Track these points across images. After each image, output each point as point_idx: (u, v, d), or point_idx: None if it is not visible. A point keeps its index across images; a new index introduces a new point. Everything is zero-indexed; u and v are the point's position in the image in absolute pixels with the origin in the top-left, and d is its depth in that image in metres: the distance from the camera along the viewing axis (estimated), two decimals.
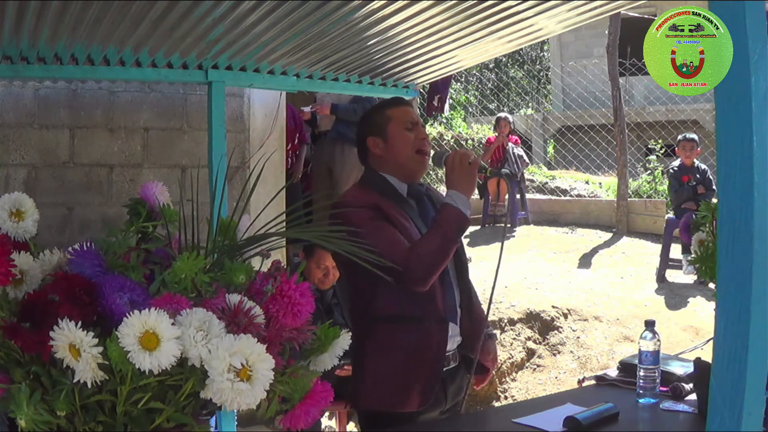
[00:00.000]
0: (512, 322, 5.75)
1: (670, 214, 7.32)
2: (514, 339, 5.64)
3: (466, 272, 2.33)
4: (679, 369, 2.25)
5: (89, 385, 1.08)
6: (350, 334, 1.39)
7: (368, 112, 2.43)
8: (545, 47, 16.32)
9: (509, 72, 16.57)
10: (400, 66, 2.97)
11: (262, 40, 2.48)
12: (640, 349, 2.10)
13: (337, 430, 4.31)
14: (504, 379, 5.47)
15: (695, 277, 6.41)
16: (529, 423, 1.93)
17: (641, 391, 2.11)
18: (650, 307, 5.99)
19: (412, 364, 2.12)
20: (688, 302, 6.11)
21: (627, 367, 2.31)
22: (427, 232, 2.12)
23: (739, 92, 1.10)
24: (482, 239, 7.87)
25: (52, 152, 3.72)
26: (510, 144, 8.64)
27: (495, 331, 5.13)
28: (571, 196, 9.66)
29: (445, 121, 11.98)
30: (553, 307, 5.92)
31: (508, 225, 8.02)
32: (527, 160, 9.25)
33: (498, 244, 2.12)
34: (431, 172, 9.12)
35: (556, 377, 5.39)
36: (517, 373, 5.51)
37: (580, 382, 2.58)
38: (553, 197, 9.47)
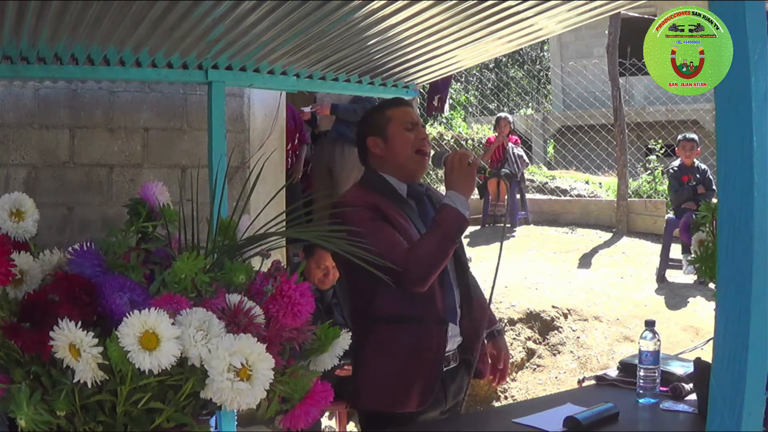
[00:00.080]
0: (512, 322, 5.75)
1: (670, 214, 7.32)
2: (514, 339, 5.63)
3: (466, 272, 2.32)
4: (679, 369, 2.24)
5: (89, 385, 1.08)
6: (350, 334, 1.39)
7: (368, 113, 2.44)
8: (545, 47, 16.32)
9: (509, 72, 16.57)
10: (400, 66, 2.97)
11: (262, 40, 2.48)
12: (640, 349, 2.10)
13: (337, 430, 4.31)
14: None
15: (695, 277, 6.41)
16: (529, 423, 1.93)
17: (641, 391, 2.11)
18: (650, 307, 5.99)
19: (411, 364, 2.12)
20: (688, 302, 6.10)
21: (627, 367, 2.31)
22: (426, 232, 2.12)
23: (739, 92, 1.10)
24: (482, 239, 7.86)
25: (52, 152, 3.72)
26: (510, 144, 8.64)
27: None
28: (571, 196, 9.65)
29: (445, 121, 11.98)
30: (553, 307, 5.92)
31: (508, 225, 8.00)
32: (527, 160, 9.24)
33: (498, 244, 2.12)
34: (431, 172, 9.11)
35: (556, 377, 5.39)
36: (517, 373, 5.51)
37: (580, 382, 2.58)
38: (553, 197, 9.47)
